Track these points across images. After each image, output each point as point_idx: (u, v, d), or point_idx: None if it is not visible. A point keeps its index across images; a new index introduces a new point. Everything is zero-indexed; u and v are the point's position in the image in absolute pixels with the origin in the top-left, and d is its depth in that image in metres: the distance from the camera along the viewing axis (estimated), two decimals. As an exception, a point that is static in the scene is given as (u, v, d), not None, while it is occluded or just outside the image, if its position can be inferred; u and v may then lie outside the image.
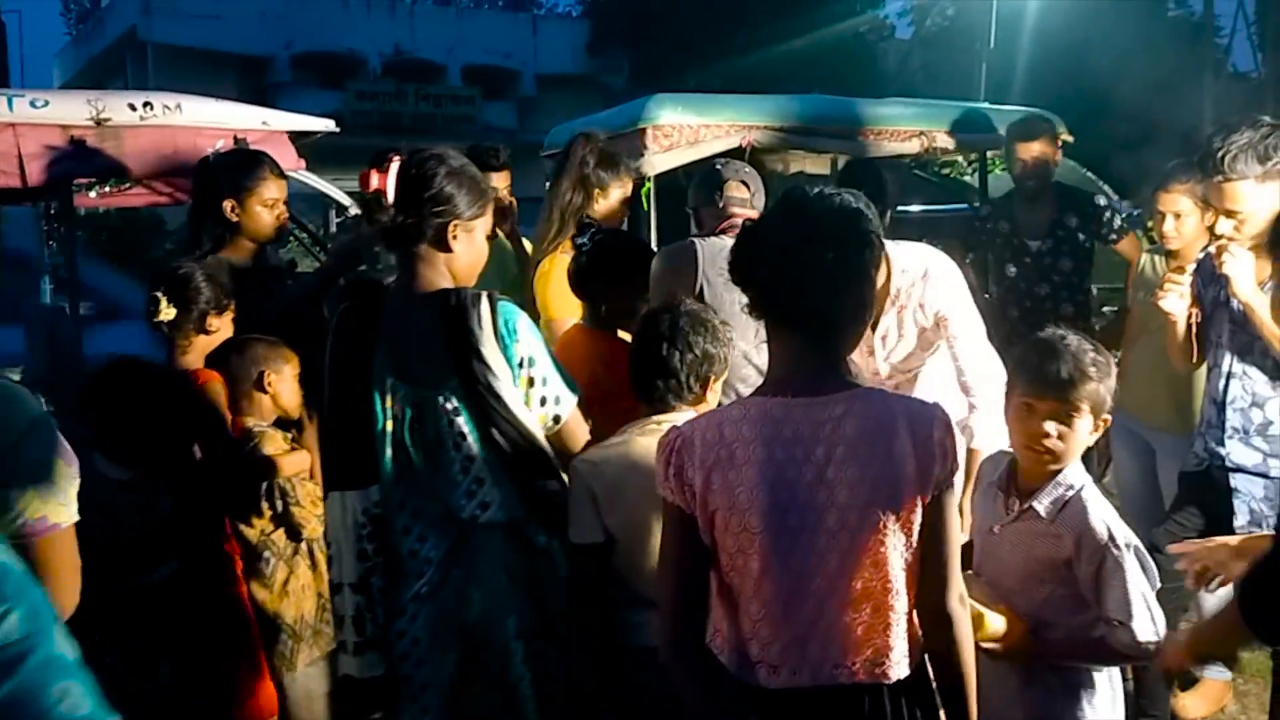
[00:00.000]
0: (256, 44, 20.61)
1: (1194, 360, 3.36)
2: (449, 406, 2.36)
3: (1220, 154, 2.96)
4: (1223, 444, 3.14)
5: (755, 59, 17.94)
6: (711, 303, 2.89)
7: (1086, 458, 2.87)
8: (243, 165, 3.49)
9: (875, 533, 1.79)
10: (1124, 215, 4.93)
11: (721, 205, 3.26)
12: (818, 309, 1.81)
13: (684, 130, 4.92)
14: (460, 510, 2.40)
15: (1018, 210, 4.77)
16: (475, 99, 22.00)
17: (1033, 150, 4.65)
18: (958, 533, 1.88)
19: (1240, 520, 3.09)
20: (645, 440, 2.34)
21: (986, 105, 6.65)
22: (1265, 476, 3.08)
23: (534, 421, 2.43)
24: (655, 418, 2.40)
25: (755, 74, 16.99)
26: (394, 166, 2.26)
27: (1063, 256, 4.67)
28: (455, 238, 2.45)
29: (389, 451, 2.42)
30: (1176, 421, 3.82)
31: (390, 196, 2.36)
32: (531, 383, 2.40)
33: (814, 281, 1.80)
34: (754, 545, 1.81)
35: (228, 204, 3.36)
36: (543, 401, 2.43)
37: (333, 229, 5.25)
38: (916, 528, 1.82)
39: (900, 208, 6.42)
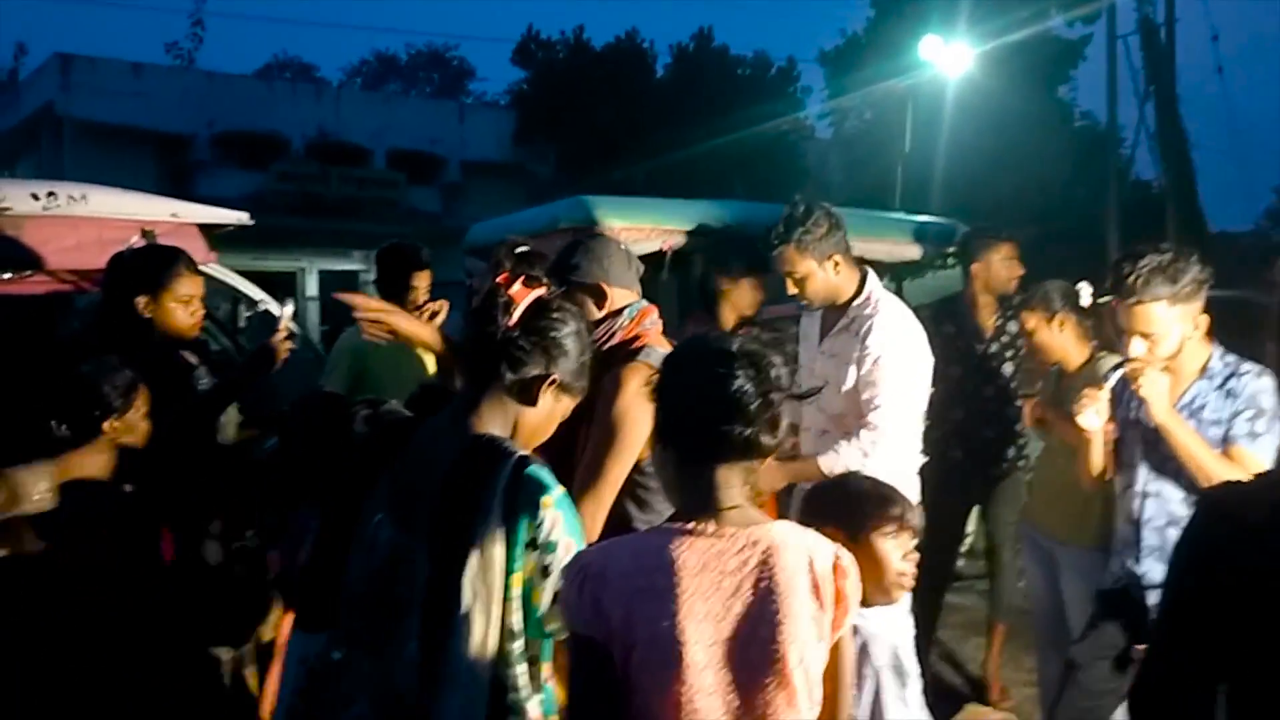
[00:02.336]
0: (177, 122, 20.37)
1: (1105, 476, 3.41)
2: (423, 566, 1.97)
3: (1132, 277, 3.03)
4: (1139, 563, 3.17)
5: (679, 153, 18.26)
6: None
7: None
8: (158, 261, 3.38)
9: (785, 673, 1.77)
10: None
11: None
12: (744, 440, 1.80)
13: (605, 232, 4.93)
14: (407, 697, 1.96)
15: (962, 313, 4.84)
16: (400, 183, 21.97)
17: (1002, 252, 4.78)
18: (852, 675, 1.91)
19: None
20: None
21: (900, 215, 6.80)
22: None
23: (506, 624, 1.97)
24: None
25: (679, 168, 17.32)
26: (536, 293, 2.09)
27: (1005, 361, 4.77)
28: (543, 395, 2.12)
29: (352, 601, 2.08)
30: (1076, 534, 3.87)
31: (515, 315, 2.07)
32: (545, 574, 1.95)
33: (742, 410, 1.79)
34: (677, 681, 1.74)
35: (140, 300, 3.26)
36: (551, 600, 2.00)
37: (241, 323, 5.13)
38: (820, 669, 1.81)
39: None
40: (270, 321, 4.20)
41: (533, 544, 1.94)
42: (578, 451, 2.71)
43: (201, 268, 4.26)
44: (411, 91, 31.54)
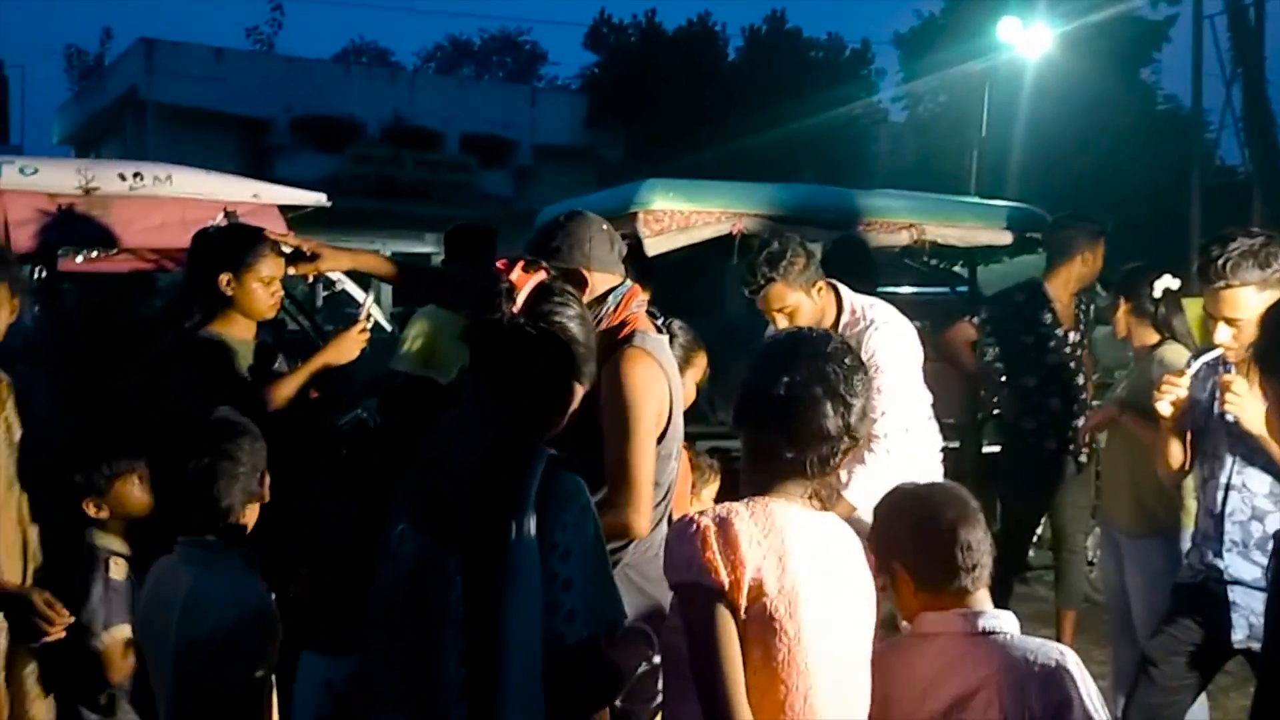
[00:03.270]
0: (257, 106, 20.77)
1: (1185, 468, 3.34)
2: (455, 578, 1.86)
3: (1221, 260, 2.95)
4: (1221, 556, 3.09)
5: (750, 137, 18.16)
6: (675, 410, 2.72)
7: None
8: (242, 241, 3.44)
9: (866, 642, 1.98)
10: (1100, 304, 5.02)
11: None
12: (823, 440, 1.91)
13: (675, 215, 4.95)
14: (453, 716, 1.86)
15: (1049, 303, 4.75)
16: (472, 167, 22.17)
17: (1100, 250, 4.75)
18: None
19: (1239, 634, 3.04)
20: None
21: (975, 200, 6.70)
22: (1264, 590, 3.02)
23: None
24: None
25: (749, 152, 17.23)
26: (538, 278, 2.01)
27: (1082, 348, 4.73)
28: None
29: (379, 619, 1.93)
30: (1138, 524, 3.83)
31: (519, 301, 1.98)
32: (553, 579, 1.86)
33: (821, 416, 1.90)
34: (795, 639, 1.84)
35: (224, 278, 3.31)
36: (554, 610, 1.86)
37: (319, 302, 5.22)
38: None
39: (890, 288, 6.47)
40: (346, 302, 4.28)
41: (555, 549, 1.86)
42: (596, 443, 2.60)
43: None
44: (484, 76, 31.76)
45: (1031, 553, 5.81)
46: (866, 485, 3.49)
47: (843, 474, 3.49)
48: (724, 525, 1.86)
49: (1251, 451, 3.04)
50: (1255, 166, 17.53)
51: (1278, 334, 1.60)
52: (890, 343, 3.65)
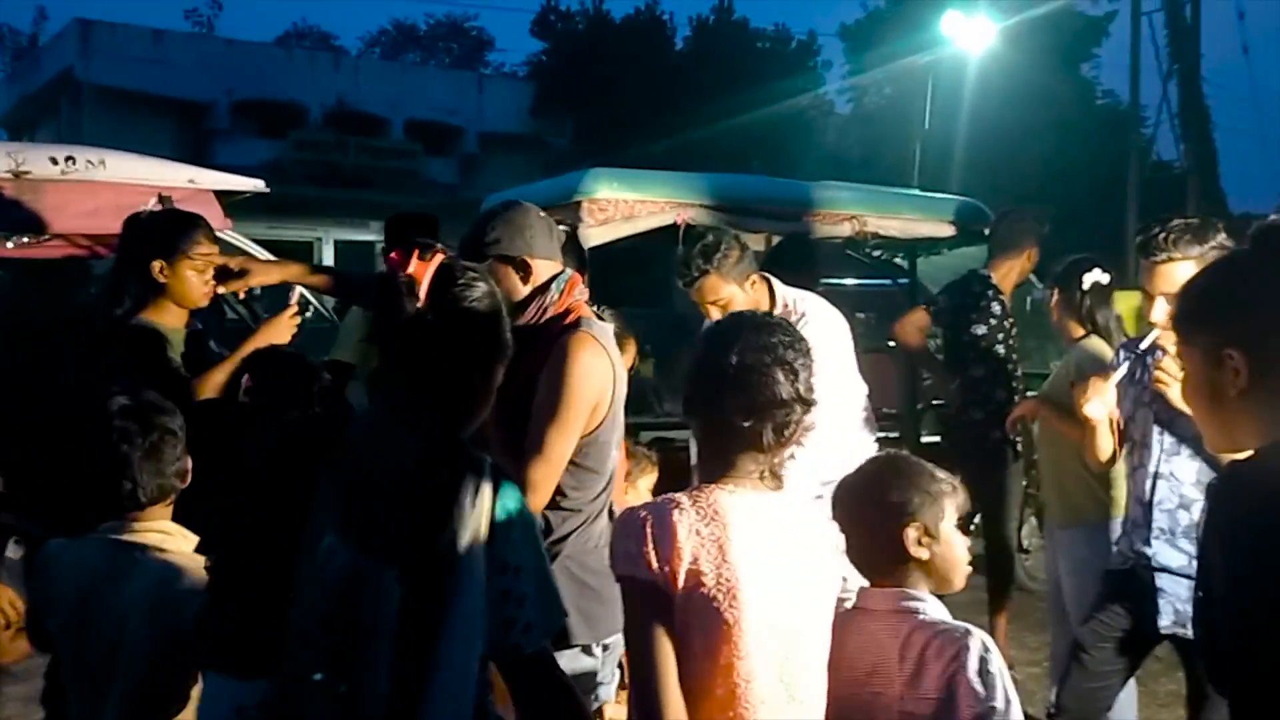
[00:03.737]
0: (196, 90, 20.39)
1: (1114, 460, 3.41)
2: (393, 590, 1.75)
3: (1161, 234, 3.03)
4: (1149, 544, 3.17)
5: (697, 127, 18.18)
6: (616, 400, 2.75)
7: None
8: (176, 226, 3.37)
9: (825, 629, 1.99)
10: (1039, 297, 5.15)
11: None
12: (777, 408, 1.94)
13: (620, 205, 4.95)
14: None
15: (992, 295, 4.85)
16: (417, 154, 21.96)
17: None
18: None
19: (1165, 620, 3.11)
20: None
21: (917, 192, 6.78)
22: (1190, 578, 3.10)
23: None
24: None
25: (697, 142, 17.24)
26: (436, 262, 1.88)
27: (997, 343, 4.81)
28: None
29: (304, 635, 1.81)
30: (1062, 515, 3.94)
31: (422, 292, 1.86)
32: (506, 597, 1.79)
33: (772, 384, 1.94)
34: (733, 626, 1.85)
35: (156, 265, 3.24)
36: (508, 625, 1.79)
37: (258, 291, 5.14)
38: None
39: (834, 280, 6.54)
40: (286, 290, 4.22)
41: (504, 569, 1.78)
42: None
43: (218, 235, 4.31)
44: (430, 62, 31.43)
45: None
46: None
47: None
48: (661, 516, 1.89)
49: (1180, 439, 3.11)
50: (1191, 161, 17.90)
51: (1192, 300, 1.62)
52: (821, 335, 3.66)
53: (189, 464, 2.45)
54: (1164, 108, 18.77)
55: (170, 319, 3.27)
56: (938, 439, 5.28)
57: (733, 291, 3.70)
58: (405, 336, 1.87)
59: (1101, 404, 3.23)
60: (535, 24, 24.77)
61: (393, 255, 1.90)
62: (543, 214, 2.79)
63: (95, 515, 2.37)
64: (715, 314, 3.69)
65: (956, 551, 2.10)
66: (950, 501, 2.09)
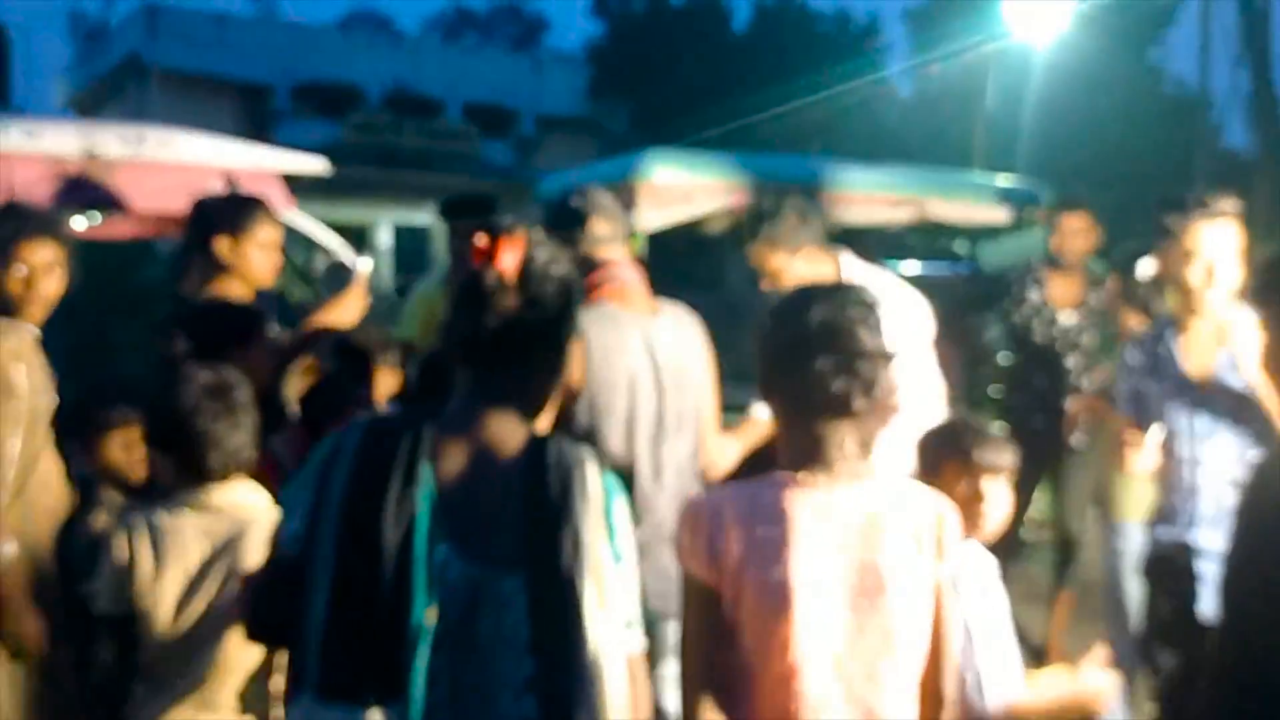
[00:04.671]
0: (258, 72, 20.68)
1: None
2: (514, 600, 1.63)
3: (1196, 196, 3.00)
4: (1188, 530, 3.11)
5: (756, 111, 18.06)
6: (592, 383, 2.75)
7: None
8: (240, 206, 3.42)
9: (912, 617, 1.85)
10: None
11: (587, 247, 2.88)
12: (853, 394, 1.83)
13: (677, 187, 4.93)
14: None
15: (1046, 280, 4.78)
16: (474, 136, 22.07)
17: (1074, 223, 4.69)
18: (956, 616, 1.97)
19: (1205, 604, 3.05)
20: None
21: (976, 176, 6.69)
22: None
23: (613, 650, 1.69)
24: None
25: (755, 127, 17.14)
26: (517, 245, 1.76)
27: (1085, 333, 4.71)
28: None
29: (426, 660, 1.61)
30: (1128, 512, 3.87)
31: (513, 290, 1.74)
32: (614, 589, 1.71)
33: (852, 365, 1.83)
34: (788, 630, 1.80)
35: (223, 244, 3.31)
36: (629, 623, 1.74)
37: (317, 270, 5.22)
38: (926, 623, 1.88)
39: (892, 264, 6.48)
40: (344, 272, 4.27)
41: (619, 558, 1.72)
42: None
43: (281, 215, 4.38)
44: (487, 44, 31.55)
45: (1028, 531, 5.85)
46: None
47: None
48: (718, 511, 1.85)
49: (1213, 423, 3.03)
50: (1260, 149, 17.44)
51: (1271, 270, 1.60)
52: (893, 319, 3.55)
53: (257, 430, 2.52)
54: (1234, 95, 18.33)
55: (235, 295, 3.33)
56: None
57: (782, 261, 3.55)
58: (504, 340, 1.74)
59: (1143, 458, 3.15)
60: (593, 6, 24.75)
61: (478, 244, 1.76)
62: (608, 196, 2.91)
63: (176, 484, 2.44)
64: (765, 283, 3.61)
65: None
66: None
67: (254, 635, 1.90)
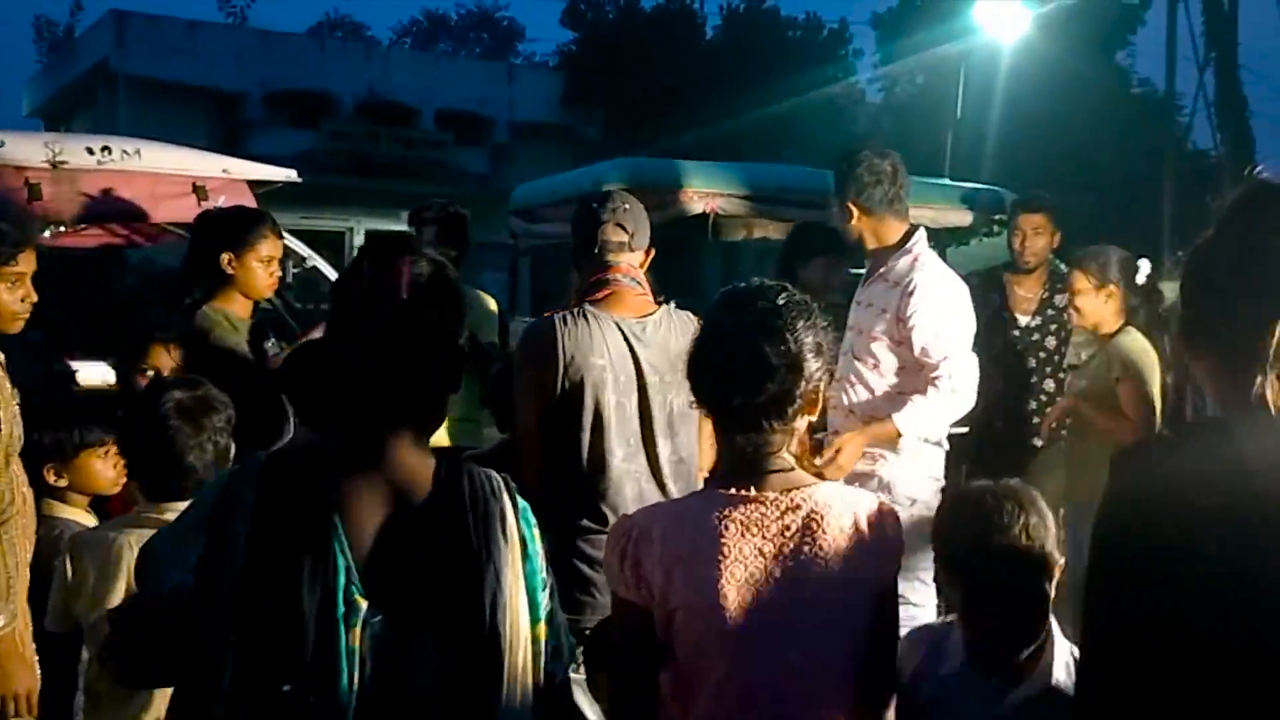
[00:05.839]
0: (230, 80, 20.54)
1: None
2: (432, 660, 1.51)
3: None
4: None
5: (728, 117, 18.13)
6: (564, 384, 2.82)
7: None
8: (244, 220, 3.55)
9: (841, 627, 1.80)
10: None
11: (598, 253, 2.94)
12: (766, 405, 1.79)
13: (649, 195, 4.94)
14: None
15: (1008, 284, 4.82)
16: (448, 144, 22.02)
17: (1035, 223, 4.73)
18: (898, 622, 1.92)
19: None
20: None
21: (946, 181, 6.74)
22: None
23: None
24: None
25: (727, 132, 17.20)
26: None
27: (1049, 335, 4.74)
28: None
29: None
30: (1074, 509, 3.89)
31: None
32: (539, 619, 1.62)
33: (757, 377, 1.78)
34: (720, 646, 1.76)
35: (225, 257, 3.39)
36: (555, 653, 1.65)
37: (289, 280, 5.21)
38: (869, 629, 1.82)
39: (861, 270, 6.51)
40: (317, 280, 4.28)
41: (534, 589, 1.60)
42: None
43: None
44: (461, 52, 31.52)
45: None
46: (919, 414, 3.43)
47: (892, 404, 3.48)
48: (644, 531, 1.83)
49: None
50: (1227, 150, 17.67)
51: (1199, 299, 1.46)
52: (940, 291, 3.55)
53: (231, 451, 2.49)
54: (1200, 96, 18.55)
55: (237, 308, 3.43)
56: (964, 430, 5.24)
57: (864, 222, 3.63)
58: (395, 343, 1.59)
59: None
60: (566, 13, 24.77)
61: (398, 274, 1.60)
62: (630, 202, 3.05)
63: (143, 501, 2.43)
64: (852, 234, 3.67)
65: None
66: None
67: (125, 681, 1.85)
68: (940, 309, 3.48)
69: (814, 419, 1.89)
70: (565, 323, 2.82)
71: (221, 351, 3.24)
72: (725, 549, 1.77)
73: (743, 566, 1.77)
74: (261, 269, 3.45)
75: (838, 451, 3.40)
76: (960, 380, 3.44)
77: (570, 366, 2.79)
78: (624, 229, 2.96)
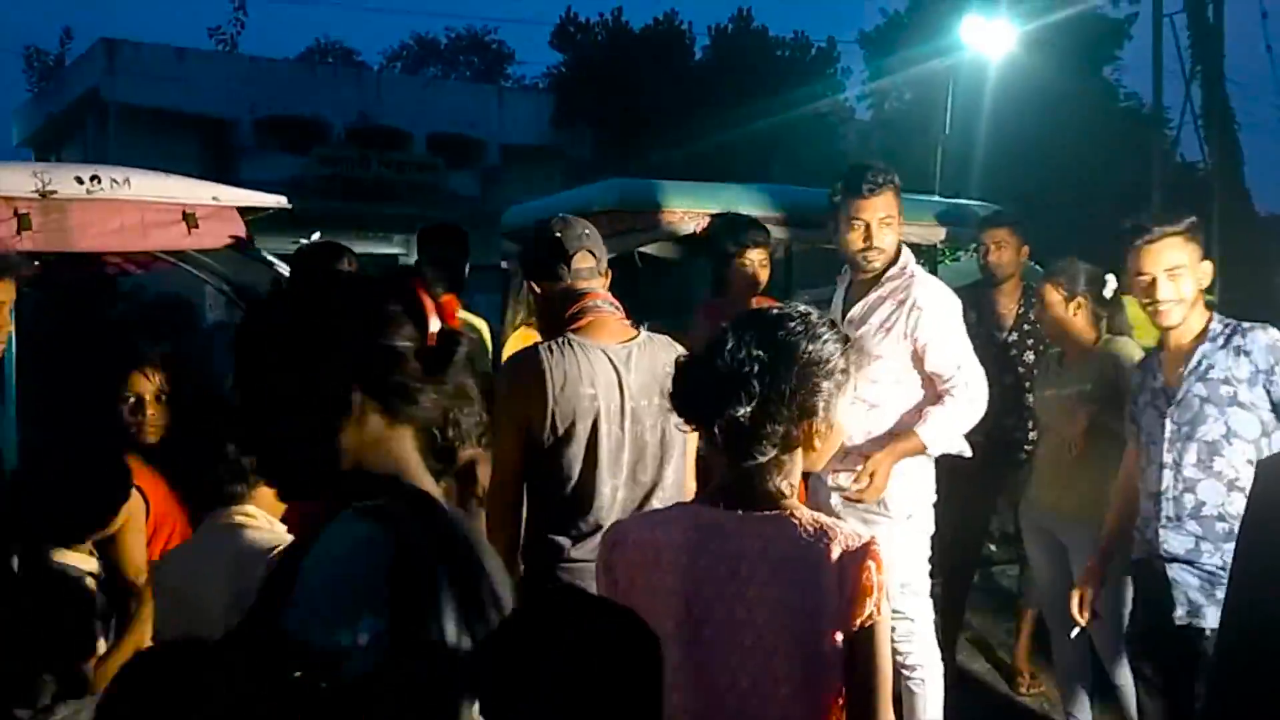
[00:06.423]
0: (220, 107, 20.61)
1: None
2: None
3: (1146, 218, 3.21)
4: (1158, 534, 3.17)
5: (718, 135, 18.21)
6: (555, 413, 2.75)
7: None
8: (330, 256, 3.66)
9: (792, 657, 1.75)
10: None
11: (570, 281, 2.90)
12: (747, 427, 1.77)
13: (640, 216, 4.96)
14: None
15: (984, 300, 4.83)
16: (439, 167, 22.10)
17: (997, 237, 4.76)
18: (887, 667, 1.82)
19: (1179, 612, 3.10)
20: None
21: (936, 198, 6.76)
22: (1194, 565, 3.09)
23: None
24: None
25: (717, 151, 17.28)
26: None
27: (1026, 349, 4.75)
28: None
29: None
30: (1087, 510, 3.86)
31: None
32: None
33: (739, 399, 1.76)
34: (668, 653, 1.72)
35: None
36: None
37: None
38: (838, 659, 1.76)
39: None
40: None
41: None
42: None
43: (245, 250, 4.37)
44: (451, 75, 31.62)
45: (994, 548, 5.89)
46: (942, 426, 3.50)
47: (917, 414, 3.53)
48: (615, 541, 1.89)
49: (1189, 429, 3.11)
50: (1215, 161, 17.75)
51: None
52: (945, 305, 3.63)
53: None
54: (1187, 109, 18.65)
55: None
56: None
57: (896, 217, 3.64)
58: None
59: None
60: (554, 36, 24.89)
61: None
62: (589, 227, 2.95)
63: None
64: (875, 235, 3.60)
65: None
66: None
67: None
68: (948, 322, 3.57)
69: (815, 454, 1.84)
70: (551, 352, 2.74)
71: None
72: (684, 562, 1.79)
73: (693, 582, 1.78)
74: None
75: (872, 475, 3.42)
76: (975, 389, 3.56)
77: (559, 398, 2.71)
78: (593, 255, 2.93)
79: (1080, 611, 3.47)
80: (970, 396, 3.54)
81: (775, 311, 1.86)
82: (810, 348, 1.78)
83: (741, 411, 1.74)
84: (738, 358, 1.76)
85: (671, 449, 2.86)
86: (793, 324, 1.81)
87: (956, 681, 4.48)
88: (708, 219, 5.03)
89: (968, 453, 3.68)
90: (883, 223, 3.61)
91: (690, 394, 1.83)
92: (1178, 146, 20.68)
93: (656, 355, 2.84)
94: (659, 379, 2.76)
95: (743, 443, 1.77)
